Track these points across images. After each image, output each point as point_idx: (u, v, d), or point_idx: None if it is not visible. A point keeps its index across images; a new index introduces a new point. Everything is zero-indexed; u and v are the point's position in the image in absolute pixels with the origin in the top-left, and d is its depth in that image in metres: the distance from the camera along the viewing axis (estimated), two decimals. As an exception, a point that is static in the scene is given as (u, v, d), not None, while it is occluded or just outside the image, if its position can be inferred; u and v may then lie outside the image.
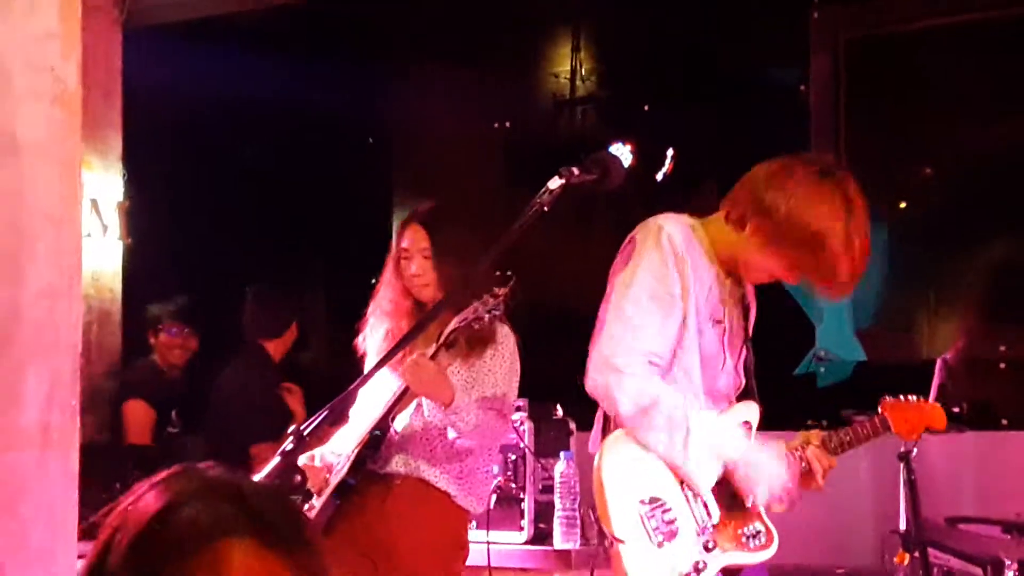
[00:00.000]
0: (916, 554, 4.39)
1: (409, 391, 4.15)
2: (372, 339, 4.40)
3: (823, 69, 6.79)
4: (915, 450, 4.31)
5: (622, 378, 3.39)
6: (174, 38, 7.35)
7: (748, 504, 3.52)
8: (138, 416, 6.61)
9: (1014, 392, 6.20)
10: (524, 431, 5.02)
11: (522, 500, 5.03)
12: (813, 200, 3.43)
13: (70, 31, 3.34)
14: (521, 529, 5.02)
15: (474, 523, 4.58)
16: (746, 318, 3.70)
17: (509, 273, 4.16)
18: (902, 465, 4.34)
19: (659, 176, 6.55)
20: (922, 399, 3.82)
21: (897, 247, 6.11)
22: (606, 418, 3.55)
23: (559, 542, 4.92)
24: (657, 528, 3.40)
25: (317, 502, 4.19)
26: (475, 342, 4.22)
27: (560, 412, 5.27)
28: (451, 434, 4.17)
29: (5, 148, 3.22)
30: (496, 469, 4.84)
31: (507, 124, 7.76)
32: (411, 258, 4.33)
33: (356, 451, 4.21)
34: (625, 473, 3.44)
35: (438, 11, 7.38)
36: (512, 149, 7.68)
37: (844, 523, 5.82)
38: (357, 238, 7.26)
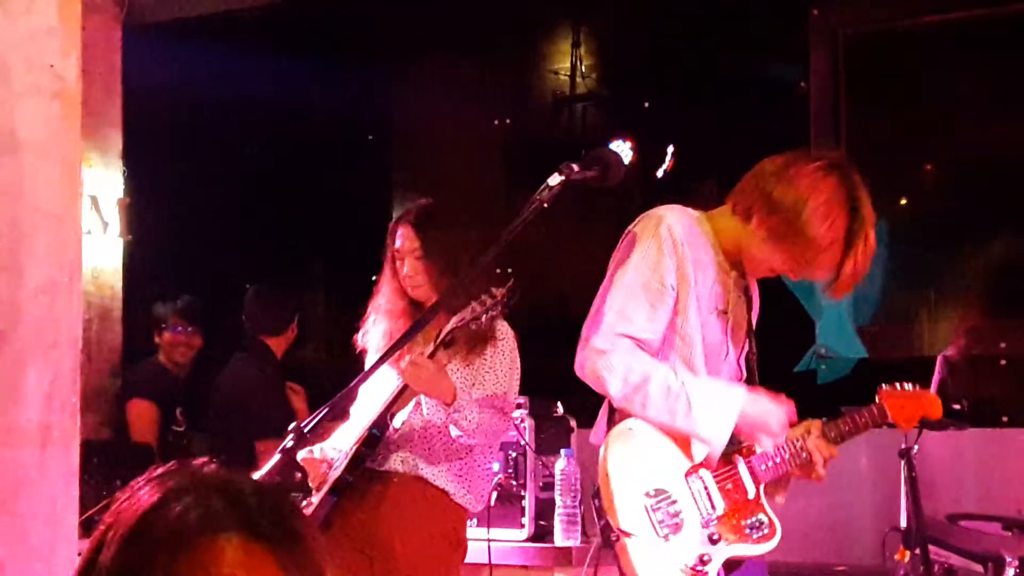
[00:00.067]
0: (917, 551, 4.39)
1: (408, 389, 4.15)
2: (372, 337, 4.40)
3: (822, 66, 6.78)
4: (916, 447, 4.32)
5: (607, 356, 3.38)
6: (174, 35, 7.35)
7: (751, 495, 3.52)
8: (142, 415, 6.61)
9: (1015, 389, 6.20)
10: (525, 428, 5.01)
11: (523, 497, 5.02)
12: (819, 196, 3.43)
13: (70, 28, 3.34)
14: (522, 526, 5.01)
15: (475, 520, 4.58)
16: (749, 311, 3.69)
17: (509, 272, 4.15)
18: (903, 462, 4.35)
19: (659, 173, 6.55)
20: (919, 387, 3.82)
21: (897, 244, 6.10)
22: (611, 409, 3.54)
23: (560, 539, 4.91)
24: (663, 521, 3.40)
25: (315, 498, 4.19)
26: (475, 340, 4.21)
27: (561, 409, 5.26)
28: (454, 432, 4.16)
29: (5, 145, 3.22)
30: (497, 466, 4.83)
31: (507, 122, 7.76)
32: (403, 259, 4.34)
33: (354, 449, 4.21)
34: (630, 465, 3.43)
35: (438, 9, 7.37)
36: (512, 147, 7.67)
37: (845, 520, 5.82)
38: (357, 237, 7.24)
